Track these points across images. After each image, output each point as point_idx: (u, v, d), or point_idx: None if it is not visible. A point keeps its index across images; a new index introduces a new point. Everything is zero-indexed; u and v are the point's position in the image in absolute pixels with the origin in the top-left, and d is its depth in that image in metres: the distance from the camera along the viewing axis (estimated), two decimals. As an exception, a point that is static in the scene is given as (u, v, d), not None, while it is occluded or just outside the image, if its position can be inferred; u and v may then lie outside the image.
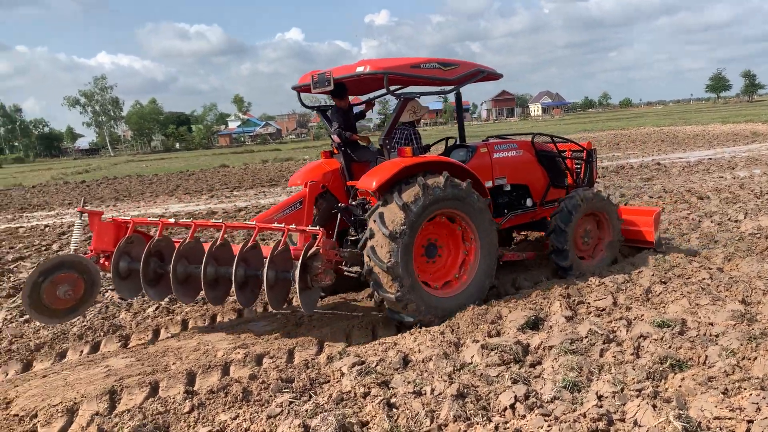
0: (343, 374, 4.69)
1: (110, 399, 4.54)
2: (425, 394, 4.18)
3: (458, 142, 7.34)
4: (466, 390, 4.11)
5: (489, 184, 6.95)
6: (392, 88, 6.17)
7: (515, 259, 7.37)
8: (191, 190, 22.86)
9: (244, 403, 4.33)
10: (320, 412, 4.00)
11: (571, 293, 6.28)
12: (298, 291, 5.18)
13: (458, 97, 6.96)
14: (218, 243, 5.61)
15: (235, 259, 5.34)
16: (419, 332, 5.55)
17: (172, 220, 6.11)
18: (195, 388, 4.63)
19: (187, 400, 4.34)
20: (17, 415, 4.46)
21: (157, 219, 6.10)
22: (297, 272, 5.18)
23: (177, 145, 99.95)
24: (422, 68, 6.14)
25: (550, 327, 5.39)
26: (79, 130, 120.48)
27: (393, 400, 4.13)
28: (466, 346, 5.08)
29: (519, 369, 4.52)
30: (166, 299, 7.00)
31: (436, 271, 6.29)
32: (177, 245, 5.72)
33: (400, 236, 5.59)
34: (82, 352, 5.96)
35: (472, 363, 4.72)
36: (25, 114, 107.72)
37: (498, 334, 5.34)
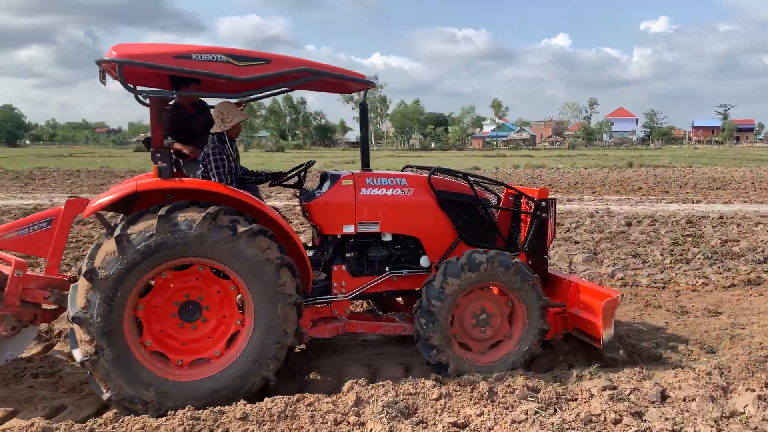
0: (592, 395, 4.50)
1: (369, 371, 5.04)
2: (686, 435, 3.83)
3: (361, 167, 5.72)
4: (736, 442, 3.67)
5: (350, 228, 5.42)
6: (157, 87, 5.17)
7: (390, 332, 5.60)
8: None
9: (489, 402, 4.39)
10: (567, 429, 3.90)
11: None
12: None
13: (362, 107, 5.66)
14: None
15: None
16: (681, 368, 5.09)
17: None
18: (441, 377, 4.81)
19: (435, 387, 4.53)
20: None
21: None
22: None
23: (432, 145, 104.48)
24: (195, 60, 4.56)
25: None
26: (349, 123, 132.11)
27: (648, 433, 3.86)
28: (737, 393, 4.53)
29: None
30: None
31: (192, 342, 4.71)
32: None
33: (105, 280, 4.25)
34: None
35: (744, 413, 4.21)
36: (307, 106, 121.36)
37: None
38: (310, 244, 6.04)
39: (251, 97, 5.50)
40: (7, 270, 4.81)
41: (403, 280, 5.58)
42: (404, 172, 5.93)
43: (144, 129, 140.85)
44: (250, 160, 51.97)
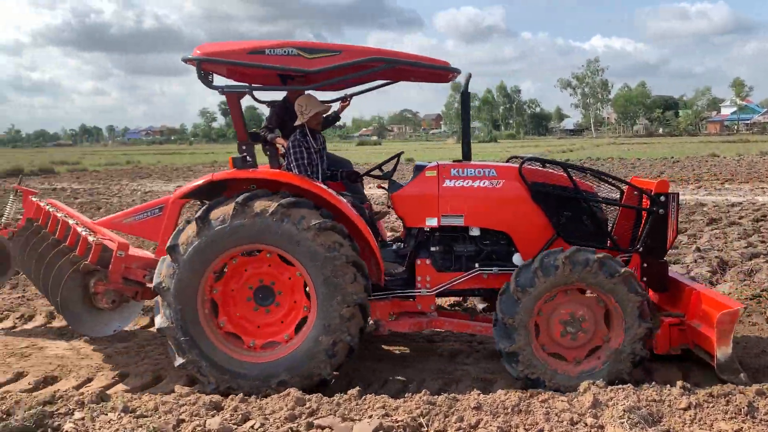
0: None
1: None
2: None
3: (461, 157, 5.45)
4: None
5: (433, 221, 5.10)
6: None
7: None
8: (676, 178, 21.78)
9: (748, 417, 3.91)
10: None
11: None
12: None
13: (463, 95, 5.28)
14: None
15: None
16: None
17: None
18: (690, 385, 4.40)
19: (684, 396, 4.15)
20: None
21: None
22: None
23: (660, 130, 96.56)
24: (269, 54, 4.64)
25: None
26: (566, 111, 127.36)
27: None
28: None
29: None
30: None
31: (266, 326, 4.77)
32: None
33: (182, 255, 4.51)
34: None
35: None
36: (522, 95, 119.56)
37: None
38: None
39: (353, 90, 6.04)
40: (114, 246, 5.28)
41: (494, 278, 5.16)
42: (495, 163, 5.57)
43: (365, 124, 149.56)
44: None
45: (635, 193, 5.35)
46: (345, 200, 4.94)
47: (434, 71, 5.25)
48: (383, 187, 5.75)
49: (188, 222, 4.64)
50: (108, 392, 4.35)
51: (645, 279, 5.08)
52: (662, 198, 5.07)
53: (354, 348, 4.66)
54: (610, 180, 5.54)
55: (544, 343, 4.73)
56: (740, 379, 4.46)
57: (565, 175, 5.21)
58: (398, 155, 5.93)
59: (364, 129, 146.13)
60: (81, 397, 4.18)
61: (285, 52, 4.73)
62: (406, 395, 4.28)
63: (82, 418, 3.94)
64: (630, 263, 5.14)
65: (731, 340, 4.44)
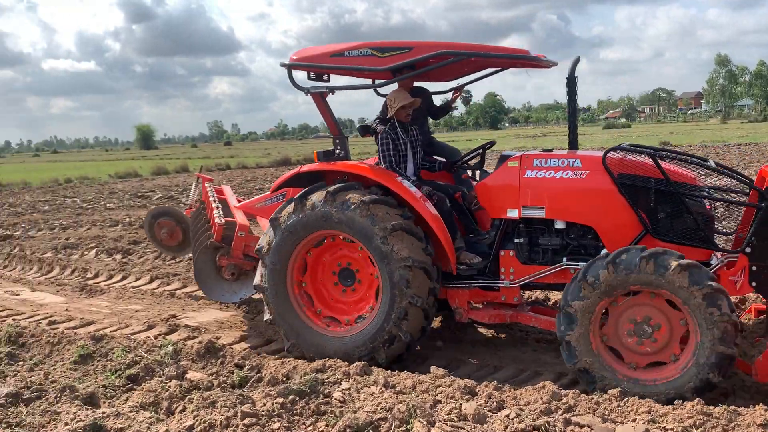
0: None
1: None
2: None
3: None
4: None
5: (514, 212, 4.99)
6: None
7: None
8: None
9: None
10: None
11: None
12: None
13: (569, 81, 5.22)
14: None
15: None
16: None
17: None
18: None
19: None
20: None
21: None
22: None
23: None
24: (347, 56, 5.10)
25: None
26: None
27: None
28: None
29: None
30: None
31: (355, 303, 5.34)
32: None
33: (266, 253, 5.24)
34: None
35: None
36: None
37: None
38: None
39: (466, 80, 6.31)
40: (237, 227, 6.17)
41: None
42: (584, 152, 5.18)
43: (612, 106, 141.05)
44: (729, 132, 46.67)
45: (745, 186, 4.68)
46: (419, 193, 5.11)
47: (522, 60, 5.23)
48: (471, 177, 5.86)
49: (290, 202, 5.18)
50: (371, 367, 4.61)
51: (754, 284, 4.51)
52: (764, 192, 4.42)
53: (426, 310, 4.91)
54: (726, 172, 4.79)
55: (606, 334, 4.40)
56: None
57: (665, 164, 4.72)
58: (488, 145, 5.94)
59: (612, 111, 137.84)
60: (347, 368, 4.51)
61: (361, 53, 5.08)
62: (675, 403, 3.89)
63: (349, 389, 4.25)
64: (736, 266, 4.60)
65: None
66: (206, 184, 7.66)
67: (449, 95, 6.74)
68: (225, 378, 4.52)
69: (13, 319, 6.77)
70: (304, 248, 5.21)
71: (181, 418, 3.88)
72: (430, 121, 6.73)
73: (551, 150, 5.35)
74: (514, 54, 5.19)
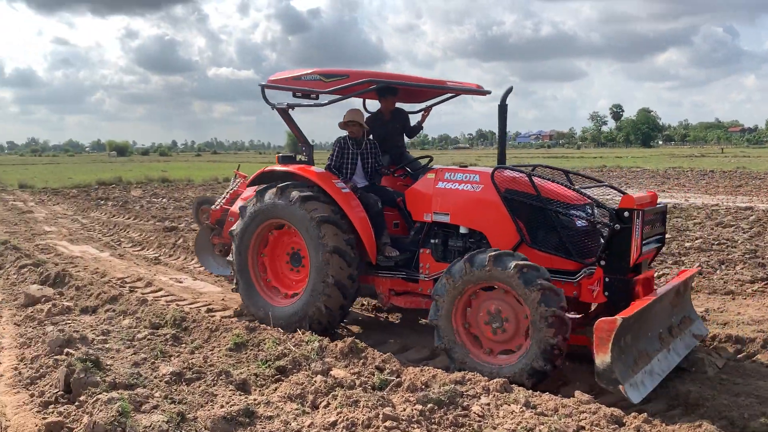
0: None
1: None
2: None
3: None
4: None
5: (428, 217, 5.89)
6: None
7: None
8: None
9: None
10: None
11: None
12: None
13: (500, 108, 5.80)
14: None
15: None
16: None
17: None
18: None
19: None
20: None
21: None
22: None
23: None
24: (303, 80, 6.23)
25: None
26: None
27: None
28: None
29: None
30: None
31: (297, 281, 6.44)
32: None
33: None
34: None
35: None
36: None
37: None
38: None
39: (431, 102, 7.44)
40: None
41: None
42: (482, 169, 5.93)
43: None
44: None
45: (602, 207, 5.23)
46: (346, 193, 6.05)
47: (442, 89, 6.70)
48: (405, 184, 6.66)
49: (255, 195, 6.32)
50: (512, 385, 4.53)
51: (606, 293, 5.03)
52: (626, 214, 4.92)
53: (343, 288, 5.86)
54: (591, 196, 5.29)
55: (469, 322, 5.11)
56: (618, 390, 4.28)
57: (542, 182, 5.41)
58: (429, 159, 7.07)
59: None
60: (487, 383, 4.46)
61: (312, 77, 6.17)
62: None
63: (488, 404, 4.21)
64: (593, 277, 5.10)
65: (609, 348, 4.25)
66: (238, 180, 8.34)
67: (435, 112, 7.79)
68: (366, 379, 4.64)
69: (177, 305, 7.40)
70: (264, 231, 6.38)
71: (325, 413, 4.04)
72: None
73: (466, 165, 6.29)
74: (430, 84, 6.40)
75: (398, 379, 4.64)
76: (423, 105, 7.58)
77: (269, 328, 5.76)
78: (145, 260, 10.64)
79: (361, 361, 5.03)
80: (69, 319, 6.54)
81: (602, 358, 4.30)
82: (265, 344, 5.30)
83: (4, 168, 49.33)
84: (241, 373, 4.78)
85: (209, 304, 7.57)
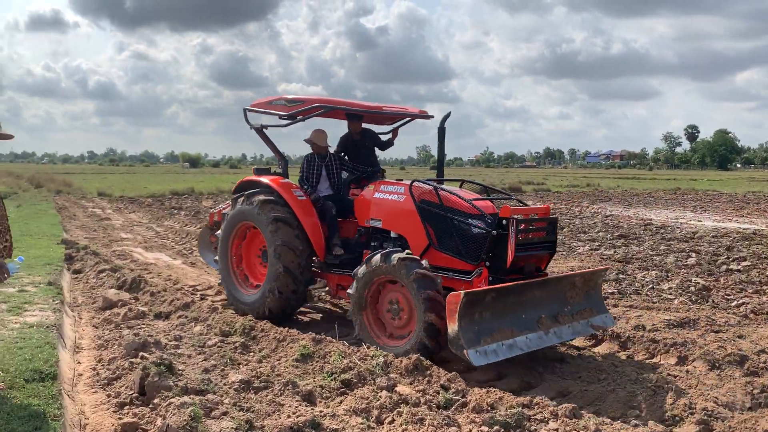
0: None
1: None
2: None
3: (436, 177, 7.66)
4: None
5: (368, 222, 6.91)
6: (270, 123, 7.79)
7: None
8: None
9: None
10: None
11: None
12: None
13: (439, 130, 7.32)
14: None
15: None
16: None
17: None
18: None
19: None
20: None
21: None
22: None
23: None
24: (273, 104, 7.46)
25: None
26: None
27: None
28: None
29: None
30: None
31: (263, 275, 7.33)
32: None
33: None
34: None
35: None
36: None
37: None
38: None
39: (398, 125, 8.32)
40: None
41: None
42: (406, 181, 6.83)
43: None
44: None
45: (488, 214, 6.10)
46: (301, 200, 7.11)
47: (383, 115, 7.86)
48: (355, 194, 7.42)
49: (231, 201, 7.72)
50: (581, 411, 4.39)
51: None
52: (504, 221, 5.71)
53: (294, 275, 6.90)
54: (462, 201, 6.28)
55: (377, 310, 6.08)
56: (463, 354, 5.05)
57: (446, 194, 6.33)
58: (375, 171, 7.68)
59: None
60: (556, 408, 4.34)
61: (279, 103, 7.38)
62: None
63: (556, 430, 4.10)
64: (482, 275, 5.89)
65: (456, 319, 5.03)
66: None
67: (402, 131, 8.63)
68: (431, 397, 4.60)
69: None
70: (240, 231, 7.59)
71: (390, 429, 4.03)
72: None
73: (402, 179, 7.12)
74: (367, 109, 7.52)
75: (463, 399, 4.58)
76: (392, 127, 8.44)
77: (335, 341, 5.80)
78: (215, 269, 10.94)
79: (426, 378, 4.99)
80: (143, 324, 6.79)
81: (452, 326, 5.11)
82: (330, 357, 5.34)
83: (85, 176, 51.86)
84: (307, 384, 4.82)
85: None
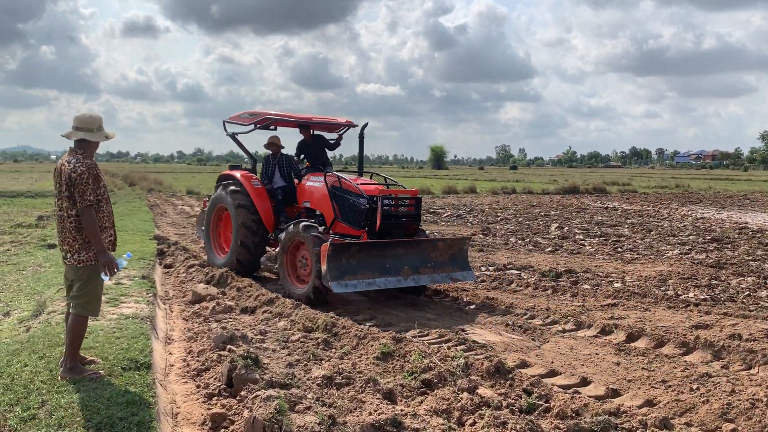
0: None
1: None
2: None
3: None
4: None
5: (304, 204, 9.43)
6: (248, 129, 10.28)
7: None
8: None
9: None
10: None
11: None
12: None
13: (360, 139, 9.99)
14: None
15: None
16: None
17: None
18: None
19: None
20: None
21: None
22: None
23: None
24: (241, 117, 10.01)
25: None
26: None
27: None
28: None
29: None
30: None
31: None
32: None
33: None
34: None
35: None
36: None
37: None
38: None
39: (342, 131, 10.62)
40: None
41: None
42: (327, 172, 9.22)
43: None
44: None
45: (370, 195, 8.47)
46: (257, 188, 9.61)
47: (318, 125, 10.32)
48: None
49: (214, 189, 10.44)
50: (671, 421, 4.20)
51: None
52: (375, 199, 8.30)
53: (250, 247, 9.41)
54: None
55: (295, 265, 8.53)
56: (328, 286, 7.45)
57: (347, 182, 8.73)
58: (308, 169, 10.06)
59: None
60: (645, 417, 4.18)
61: (246, 115, 9.87)
62: None
63: (647, 440, 3.94)
64: (363, 239, 8.27)
65: (326, 261, 7.39)
66: None
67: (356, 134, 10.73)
68: (513, 401, 4.53)
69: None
70: (219, 212, 10.30)
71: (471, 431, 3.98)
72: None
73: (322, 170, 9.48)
74: (300, 120, 9.91)
75: (547, 404, 4.48)
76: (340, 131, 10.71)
77: (415, 340, 5.81)
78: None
79: (508, 381, 4.92)
80: (230, 318, 7.02)
81: (323, 267, 7.39)
82: (410, 356, 5.35)
83: (175, 175, 54.24)
84: (387, 382, 4.85)
85: (355, 314, 7.78)
